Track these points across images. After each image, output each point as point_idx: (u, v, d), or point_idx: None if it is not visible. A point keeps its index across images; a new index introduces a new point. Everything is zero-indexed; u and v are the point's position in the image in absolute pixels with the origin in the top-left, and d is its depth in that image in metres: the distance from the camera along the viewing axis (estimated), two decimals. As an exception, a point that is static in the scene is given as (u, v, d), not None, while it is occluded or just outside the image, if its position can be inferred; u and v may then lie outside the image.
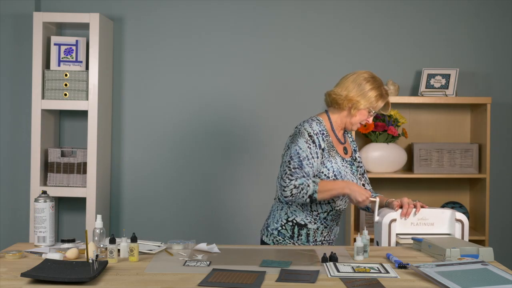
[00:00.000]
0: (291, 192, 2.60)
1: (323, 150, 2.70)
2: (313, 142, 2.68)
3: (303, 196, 2.61)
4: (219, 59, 4.12)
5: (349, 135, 2.95)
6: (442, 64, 4.11)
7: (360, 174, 2.91)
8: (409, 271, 2.16)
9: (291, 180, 2.61)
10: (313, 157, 2.66)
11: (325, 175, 2.68)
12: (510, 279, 1.98)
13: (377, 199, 2.70)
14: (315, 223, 2.74)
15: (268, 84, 4.12)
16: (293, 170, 2.63)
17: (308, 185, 2.60)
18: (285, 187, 2.61)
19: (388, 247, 2.58)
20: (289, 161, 2.66)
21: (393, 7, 4.12)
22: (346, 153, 2.84)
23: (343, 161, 2.78)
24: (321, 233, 2.76)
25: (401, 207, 2.66)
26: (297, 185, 2.60)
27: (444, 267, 2.09)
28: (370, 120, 2.79)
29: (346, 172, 2.76)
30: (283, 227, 2.75)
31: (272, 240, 2.76)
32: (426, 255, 2.40)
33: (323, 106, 2.91)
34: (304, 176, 2.63)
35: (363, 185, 2.92)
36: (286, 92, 4.12)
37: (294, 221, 2.74)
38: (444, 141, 4.10)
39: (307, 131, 2.70)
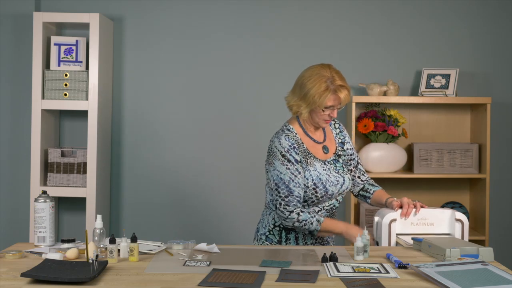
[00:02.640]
0: (293, 224, 2.63)
1: (300, 162, 2.65)
2: (288, 160, 2.62)
3: (303, 230, 2.64)
4: (219, 59, 4.12)
5: (336, 126, 2.83)
6: (442, 64, 4.11)
7: (353, 167, 2.83)
8: (409, 271, 2.15)
9: (291, 212, 2.60)
10: (295, 176, 2.61)
11: (305, 185, 2.64)
12: (510, 279, 1.98)
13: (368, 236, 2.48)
14: None
15: (269, 85, 4.12)
16: (286, 200, 2.61)
17: (311, 223, 2.61)
18: (285, 218, 2.62)
19: (388, 247, 2.58)
20: (276, 189, 2.63)
21: (393, 7, 4.12)
22: (326, 152, 2.75)
23: (324, 163, 2.71)
24: (312, 235, 2.72)
25: (401, 207, 2.65)
26: (300, 220, 2.61)
27: (444, 267, 2.09)
28: (335, 114, 2.64)
29: (328, 175, 2.68)
30: (271, 232, 2.73)
31: (261, 245, 2.74)
32: (426, 255, 2.40)
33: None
34: (299, 202, 2.61)
35: (358, 177, 2.84)
36: (287, 92, 4.11)
37: (281, 226, 2.71)
38: (444, 141, 4.10)
39: (278, 151, 2.63)
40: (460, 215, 2.64)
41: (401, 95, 4.11)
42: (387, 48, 4.13)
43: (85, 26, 3.87)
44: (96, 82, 3.80)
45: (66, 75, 3.81)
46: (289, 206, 2.61)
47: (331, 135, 2.81)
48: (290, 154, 2.62)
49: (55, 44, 3.86)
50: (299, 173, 2.63)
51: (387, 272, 2.12)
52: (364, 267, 2.17)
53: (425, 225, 2.66)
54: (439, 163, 3.94)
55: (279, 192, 2.62)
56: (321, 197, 2.66)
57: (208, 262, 2.23)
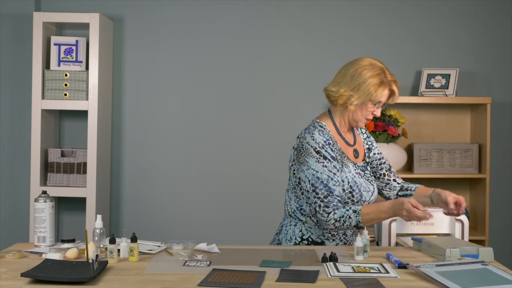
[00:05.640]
0: (334, 226, 2.42)
1: (336, 160, 2.45)
2: (324, 157, 2.41)
3: (347, 227, 2.42)
4: (219, 59, 4.12)
5: (363, 131, 2.69)
6: (442, 64, 4.11)
7: (386, 170, 2.66)
8: (409, 271, 2.16)
9: (329, 213, 2.40)
10: (334, 173, 2.41)
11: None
12: (510, 279, 1.98)
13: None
14: (333, 240, 2.57)
15: (269, 85, 4.12)
16: (325, 201, 2.39)
17: (349, 217, 2.39)
18: (326, 221, 2.41)
19: (388, 247, 2.58)
20: (313, 190, 2.41)
21: (393, 7, 4.12)
22: (357, 157, 2.58)
23: (356, 167, 2.54)
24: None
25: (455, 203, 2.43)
26: (338, 219, 2.40)
27: (444, 267, 2.09)
28: (378, 112, 2.49)
29: (361, 181, 2.52)
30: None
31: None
32: (426, 255, 2.40)
33: (324, 106, 2.90)
34: (340, 202, 2.41)
35: (394, 180, 2.67)
36: (287, 92, 4.12)
37: (310, 239, 2.56)
38: (444, 141, 4.10)
39: (312, 147, 2.42)
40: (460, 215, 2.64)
41: (401, 95, 4.10)
42: (387, 48, 4.13)
43: (85, 26, 3.87)
44: (96, 82, 3.80)
45: (66, 75, 3.81)
46: (328, 207, 2.39)
47: (360, 139, 2.65)
48: (326, 150, 2.42)
49: (55, 44, 3.86)
50: (338, 170, 2.42)
51: (387, 272, 2.12)
52: (364, 267, 2.17)
53: (425, 225, 2.66)
54: (439, 163, 3.94)
55: (317, 194, 2.41)
56: (356, 202, 2.50)
57: (208, 262, 2.23)
